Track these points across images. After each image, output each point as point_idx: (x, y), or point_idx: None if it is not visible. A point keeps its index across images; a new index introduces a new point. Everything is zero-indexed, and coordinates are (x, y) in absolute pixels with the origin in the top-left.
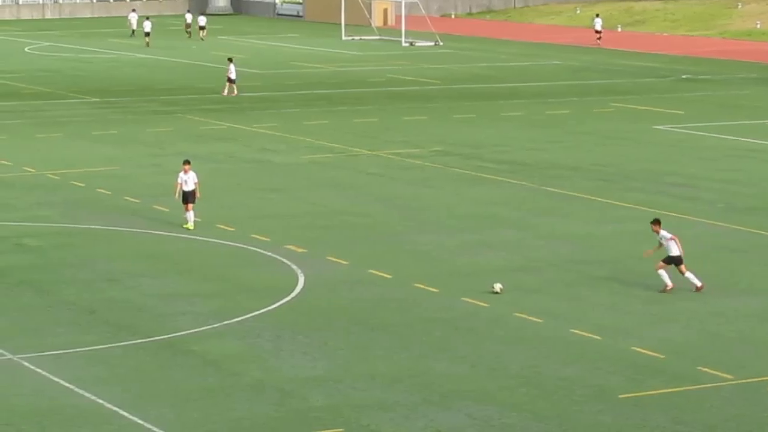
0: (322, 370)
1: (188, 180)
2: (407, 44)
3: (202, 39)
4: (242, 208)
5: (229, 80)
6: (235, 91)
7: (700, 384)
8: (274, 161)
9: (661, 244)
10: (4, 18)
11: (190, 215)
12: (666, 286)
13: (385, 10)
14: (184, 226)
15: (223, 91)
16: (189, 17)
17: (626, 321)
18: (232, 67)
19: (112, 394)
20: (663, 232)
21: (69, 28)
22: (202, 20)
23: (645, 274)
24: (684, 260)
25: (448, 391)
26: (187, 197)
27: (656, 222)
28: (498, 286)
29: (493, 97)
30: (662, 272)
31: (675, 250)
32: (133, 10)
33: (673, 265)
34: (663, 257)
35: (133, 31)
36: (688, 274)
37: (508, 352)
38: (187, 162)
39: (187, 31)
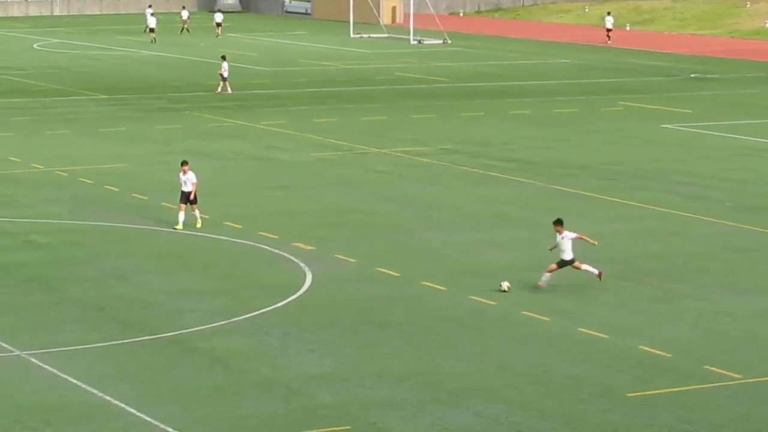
0: (330, 368)
1: (186, 180)
2: (415, 42)
3: (217, 36)
4: (250, 205)
5: (222, 78)
6: (229, 90)
7: (707, 383)
8: (282, 159)
9: (556, 245)
10: (13, 15)
11: (191, 215)
12: (540, 284)
13: (394, 8)
14: (176, 227)
15: (227, 90)
16: (185, 14)
17: (634, 320)
18: (225, 65)
19: (119, 391)
20: (567, 233)
21: (77, 25)
22: (219, 17)
23: (654, 272)
24: (575, 258)
25: (456, 389)
26: (185, 198)
27: (559, 222)
28: (505, 285)
29: (501, 95)
30: (547, 274)
31: (569, 255)
32: (150, 6)
33: (566, 267)
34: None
35: (146, 27)
36: (584, 267)
37: (516, 350)
38: (185, 162)
39: (184, 28)
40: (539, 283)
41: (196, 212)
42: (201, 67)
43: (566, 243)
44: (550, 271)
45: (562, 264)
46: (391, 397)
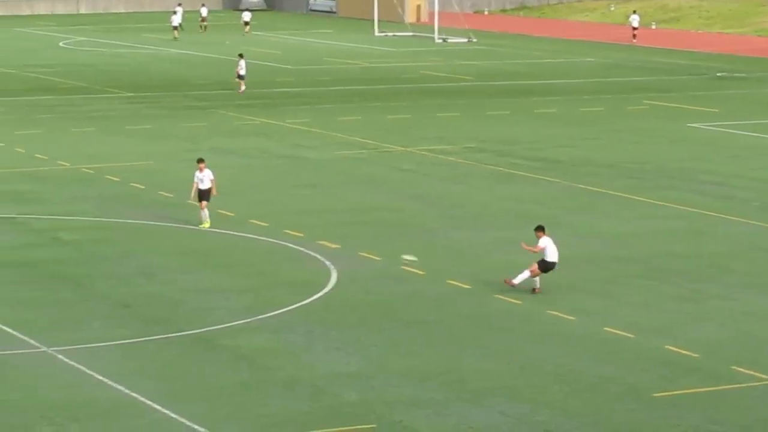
0: (355, 366)
1: (204, 178)
2: (440, 41)
3: (245, 34)
4: (275, 203)
5: (239, 77)
6: (242, 88)
7: (734, 383)
8: (308, 157)
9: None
10: (39, 12)
11: (205, 213)
12: (537, 288)
13: (418, 6)
14: (200, 226)
15: (241, 87)
16: (204, 11)
17: (660, 319)
18: (242, 63)
19: (146, 388)
20: (544, 239)
21: (103, 23)
22: (247, 16)
23: (680, 272)
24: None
25: (481, 388)
26: (203, 195)
27: (540, 229)
28: (409, 258)
29: (527, 94)
30: (527, 276)
31: (551, 257)
32: (179, 5)
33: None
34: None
35: (179, 25)
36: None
37: (541, 349)
38: (201, 160)
39: (201, 25)
40: (535, 287)
41: (206, 211)
42: (227, 65)
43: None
44: (537, 276)
45: (546, 267)
46: (416, 395)
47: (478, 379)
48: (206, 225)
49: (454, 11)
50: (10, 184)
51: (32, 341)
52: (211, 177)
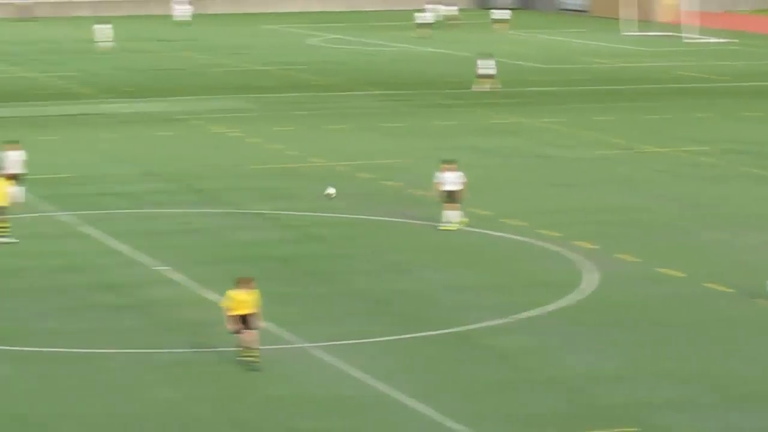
0: (614, 368)
1: (447, 180)
2: (694, 40)
3: (500, 32)
4: (529, 202)
5: (481, 76)
6: (486, 87)
7: None
8: (561, 156)
9: None
10: (290, 10)
11: (451, 214)
12: None
13: (672, 6)
14: (441, 226)
15: (485, 86)
16: (451, 9)
17: None
18: (490, 62)
19: (402, 385)
20: None
21: (354, 21)
22: (501, 14)
23: None
24: None
25: (745, 393)
26: (449, 197)
27: None
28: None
29: None
30: None
31: None
32: (430, 3)
33: None
34: None
35: (432, 23)
36: None
37: None
38: (447, 161)
39: (448, 23)
40: None
41: (453, 213)
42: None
43: None
44: None
45: None
46: (677, 398)
47: (740, 383)
48: (449, 227)
49: (706, 11)
50: (264, 180)
51: (290, 337)
52: (463, 179)
